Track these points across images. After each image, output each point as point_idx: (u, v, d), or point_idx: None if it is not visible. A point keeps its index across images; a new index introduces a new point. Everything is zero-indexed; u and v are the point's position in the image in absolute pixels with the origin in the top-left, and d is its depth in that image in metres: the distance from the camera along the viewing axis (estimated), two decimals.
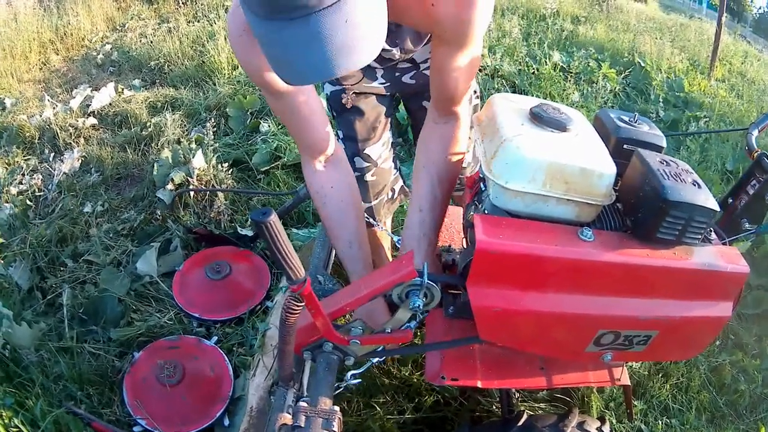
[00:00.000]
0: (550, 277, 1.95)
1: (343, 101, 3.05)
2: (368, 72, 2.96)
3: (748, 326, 4.32)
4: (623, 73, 8.71)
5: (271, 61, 1.64)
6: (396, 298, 2.23)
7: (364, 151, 3.16)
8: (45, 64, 8.81)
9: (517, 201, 2.01)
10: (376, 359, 2.61)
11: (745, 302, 4.47)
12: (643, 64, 9.06)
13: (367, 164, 3.19)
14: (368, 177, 3.22)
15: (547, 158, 1.94)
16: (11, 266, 4.22)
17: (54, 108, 6.76)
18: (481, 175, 2.38)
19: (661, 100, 7.95)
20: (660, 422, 3.43)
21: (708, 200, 1.92)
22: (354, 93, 3.04)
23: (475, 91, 3.22)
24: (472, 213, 2.30)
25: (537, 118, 2.11)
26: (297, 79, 1.70)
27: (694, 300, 2.06)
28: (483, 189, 2.32)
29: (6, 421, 3.01)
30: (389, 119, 3.22)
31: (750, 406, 3.73)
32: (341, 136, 3.20)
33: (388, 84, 3.05)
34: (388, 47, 2.75)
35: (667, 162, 2.06)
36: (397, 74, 3.01)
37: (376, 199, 3.31)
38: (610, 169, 2.00)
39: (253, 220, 1.59)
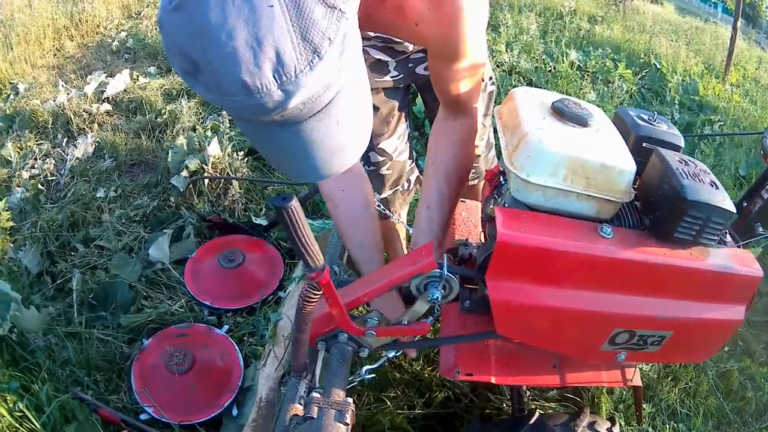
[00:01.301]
0: (569, 273, 1.95)
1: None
2: (378, 66, 2.95)
3: (757, 333, 4.32)
4: (639, 74, 8.70)
5: (263, 153, 1.62)
6: (414, 289, 2.22)
7: (379, 146, 3.14)
8: (59, 50, 8.79)
9: (537, 195, 2.00)
10: (392, 353, 2.62)
11: (755, 309, 4.46)
12: (659, 66, 9.05)
13: (383, 158, 3.17)
14: (384, 170, 3.21)
15: (569, 152, 1.94)
16: (21, 250, 4.22)
17: (68, 93, 6.75)
18: (501, 169, 2.37)
19: (676, 102, 7.93)
20: (668, 426, 3.43)
21: (725, 201, 1.92)
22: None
23: (490, 78, 3.23)
24: (491, 206, 2.29)
25: (558, 112, 2.11)
26: (292, 176, 1.72)
27: (708, 302, 2.06)
28: (503, 182, 2.32)
29: (11, 405, 3.01)
30: (403, 112, 3.20)
31: (756, 414, 3.73)
32: None
33: (402, 76, 3.03)
34: (397, 39, 2.75)
35: (686, 161, 2.05)
36: (410, 65, 3.00)
37: (391, 190, 3.30)
38: (630, 166, 1.99)
39: (274, 205, 1.58)
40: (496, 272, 1.96)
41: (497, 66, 7.71)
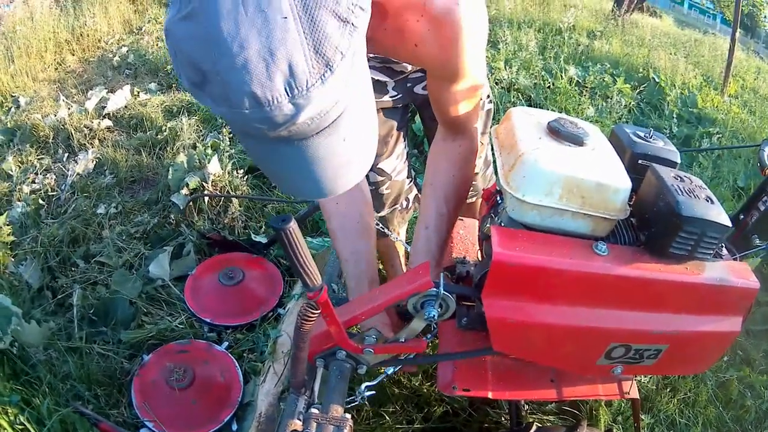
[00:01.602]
0: (565, 290, 1.98)
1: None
2: (377, 87, 2.90)
3: (756, 342, 4.34)
4: (638, 88, 8.72)
5: (264, 170, 1.62)
6: (411, 308, 2.25)
7: (378, 166, 3.17)
8: (60, 65, 8.81)
9: (533, 214, 2.03)
10: (390, 370, 2.66)
11: (754, 318, 4.48)
12: (657, 80, 9.07)
13: (382, 178, 3.20)
14: (383, 190, 3.23)
15: (564, 172, 1.96)
16: (22, 264, 4.23)
17: (69, 108, 6.76)
18: (498, 188, 2.40)
19: (674, 116, 7.97)
20: None
21: (720, 216, 1.94)
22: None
23: (488, 96, 3.25)
24: (488, 225, 2.32)
25: (554, 132, 2.13)
26: (295, 194, 1.79)
27: (704, 315, 2.08)
28: (500, 202, 2.34)
29: (11, 418, 3.02)
30: (402, 131, 3.22)
31: (756, 422, 3.74)
32: None
33: (400, 96, 3.04)
34: (396, 59, 2.77)
35: (681, 177, 2.07)
36: (408, 85, 3.01)
37: (390, 208, 3.33)
38: (625, 184, 2.01)
39: (272, 227, 1.60)
40: (492, 290, 1.99)
41: (496, 83, 7.74)
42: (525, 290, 1.98)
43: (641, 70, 9.55)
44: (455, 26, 1.96)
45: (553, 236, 2.04)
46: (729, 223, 1.96)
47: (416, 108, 3.34)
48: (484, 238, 2.38)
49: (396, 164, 3.21)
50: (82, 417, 3.11)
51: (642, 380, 3.63)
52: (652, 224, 2.06)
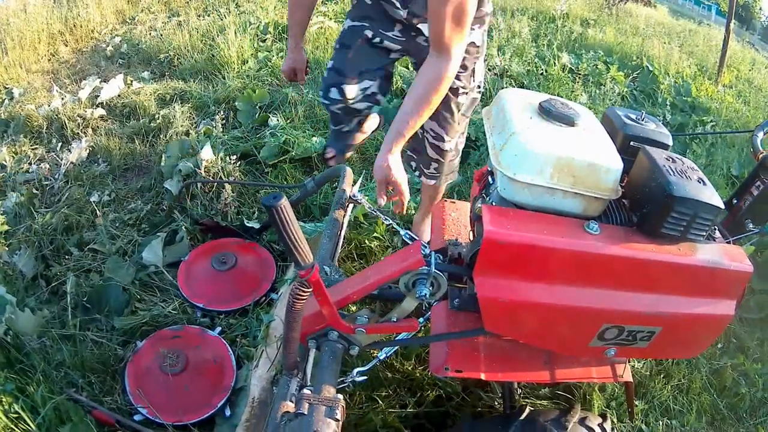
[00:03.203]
0: (556, 269, 1.99)
1: (358, 41, 3.35)
2: (387, 21, 3.26)
3: (750, 330, 4.34)
4: (631, 76, 8.73)
5: None
6: (403, 286, 2.28)
7: (341, 86, 3.39)
8: (54, 56, 8.79)
9: (524, 193, 2.05)
10: (383, 355, 2.65)
11: (748, 306, 4.49)
12: (651, 68, 9.08)
13: (340, 98, 3.44)
14: (333, 108, 3.53)
15: (555, 151, 1.98)
16: (16, 253, 4.23)
17: (62, 98, 6.75)
18: (489, 168, 2.41)
19: (668, 104, 7.97)
20: (661, 423, 3.44)
21: (713, 197, 1.96)
22: (368, 35, 3.31)
23: (479, 85, 3.55)
24: (479, 205, 2.32)
25: (546, 112, 2.15)
26: None
27: (698, 297, 2.10)
28: (491, 182, 2.36)
29: (5, 406, 3.02)
30: (380, 77, 3.49)
31: (750, 410, 3.75)
32: (330, 65, 3.50)
33: (403, 39, 3.31)
34: (398, 6, 3.09)
35: (673, 159, 2.09)
36: (413, 33, 3.29)
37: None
38: (616, 164, 2.03)
39: (264, 205, 1.63)
40: (483, 269, 2.00)
41: (489, 69, 7.77)
42: (516, 269, 1.99)
43: (635, 58, 9.57)
44: None
45: (545, 215, 2.06)
46: (721, 205, 1.98)
47: (414, 61, 3.64)
48: (476, 219, 2.40)
49: (357, 94, 3.47)
50: (76, 404, 3.13)
51: (636, 366, 3.64)
52: (644, 204, 2.07)
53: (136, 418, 3.17)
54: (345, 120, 3.72)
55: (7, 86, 7.55)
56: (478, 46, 3.45)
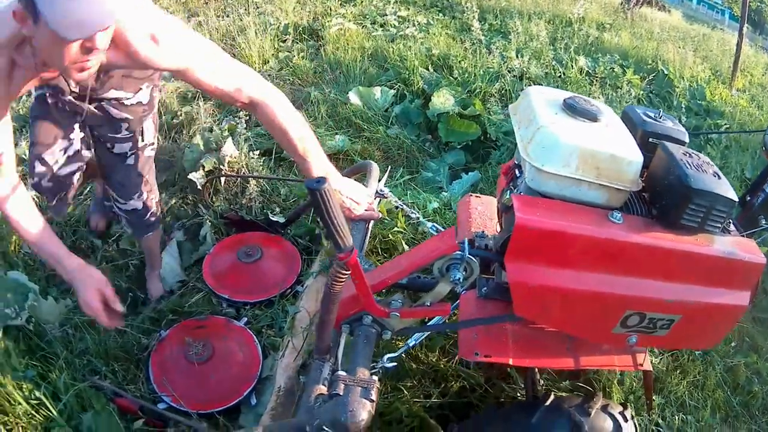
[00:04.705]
0: (582, 256, 2.06)
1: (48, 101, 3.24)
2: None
3: (763, 330, 4.38)
4: (647, 79, 8.73)
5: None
6: (437, 271, 2.35)
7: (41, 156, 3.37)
8: None
9: (551, 183, 2.12)
10: (413, 342, 2.71)
11: (761, 306, 4.53)
12: (666, 72, 9.08)
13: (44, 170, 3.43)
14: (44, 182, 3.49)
15: (581, 144, 2.05)
16: None
17: None
18: (516, 162, 2.47)
19: (683, 107, 8.02)
20: (677, 417, 3.48)
21: (728, 191, 2.04)
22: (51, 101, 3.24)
23: (152, 144, 3.67)
24: (507, 196, 2.38)
25: (570, 108, 2.22)
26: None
27: (714, 287, 2.16)
28: (518, 175, 2.42)
29: (27, 393, 3.05)
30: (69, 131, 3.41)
31: (763, 408, 3.80)
32: (30, 141, 3.38)
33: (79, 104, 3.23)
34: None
35: (690, 154, 2.17)
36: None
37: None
38: (637, 156, 2.10)
39: (308, 188, 1.69)
40: (514, 254, 2.07)
41: (508, 71, 7.76)
42: (545, 254, 2.06)
43: (650, 62, 9.55)
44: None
45: (571, 204, 2.13)
46: (736, 198, 2.06)
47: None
48: (504, 210, 2.45)
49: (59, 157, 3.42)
50: (98, 392, 3.17)
51: (653, 361, 3.66)
52: (663, 197, 2.14)
53: (160, 406, 3.20)
54: (63, 187, 3.64)
55: None
56: (144, 104, 3.45)
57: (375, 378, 2.23)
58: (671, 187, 2.10)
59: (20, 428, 2.94)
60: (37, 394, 3.03)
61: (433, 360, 3.47)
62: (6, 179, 2.80)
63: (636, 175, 2.12)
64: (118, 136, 3.43)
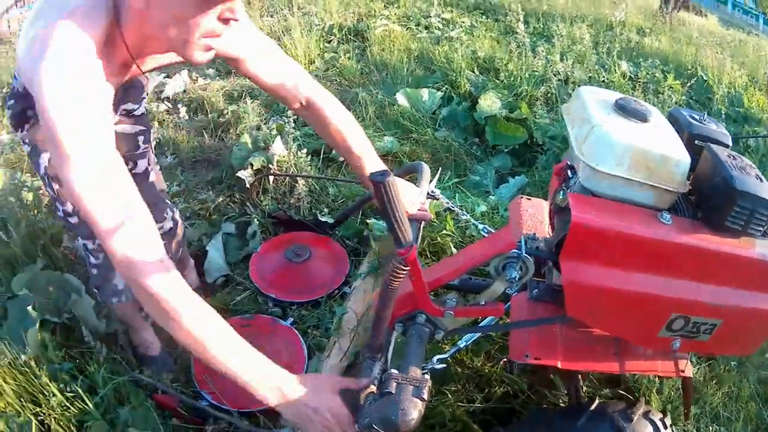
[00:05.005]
0: (633, 256, 2.10)
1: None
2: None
3: None
4: (687, 84, 8.64)
5: None
6: (493, 270, 2.38)
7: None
8: None
9: (605, 183, 2.15)
10: (463, 343, 2.72)
11: None
12: (705, 78, 9.06)
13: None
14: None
15: (633, 143, 2.08)
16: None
17: None
18: (569, 162, 2.50)
19: (722, 113, 7.90)
20: (711, 428, 3.47)
21: None
22: None
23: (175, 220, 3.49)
24: (560, 197, 2.42)
25: (621, 108, 2.25)
26: None
27: (755, 291, 2.18)
28: (570, 176, 2.46)
29: (62, 385, 3.06)
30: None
31: None
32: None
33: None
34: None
35: (734, 156, 2.19)
36: None
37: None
38: (685, 157, 2.13)
39: (372, 180, 1.73)
40: (569, 253, 2.11)
41: (554, 75, 7.78)
42: (599, 254, 2.10)
43: (689, 67, 9.54)
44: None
45: (623, 204, 2.17)
46: None
47: None
48: (557, 210, 2.48)
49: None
50: (137, 388, 3.22)
51: (692, 371, 3.65)
52: (709, 198, 2.17)
53: (202, 404, 3.24)
54: None
55: None
56: (146, 114, 3.38)
57: (427, 377, 2.26)
58: (717, 189, 2.11)
59: (53, 419, 2.96)
60: (74, 386, 3.04)
61: (478, 364, 3.50)
62: (159, 259, 2.06)
63: (684, 177, 2.14)
64: (137, 152, 3.31)
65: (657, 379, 3.34)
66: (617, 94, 2.39)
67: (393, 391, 2.15)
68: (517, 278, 2.36)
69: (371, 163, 3.07)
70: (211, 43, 2.16)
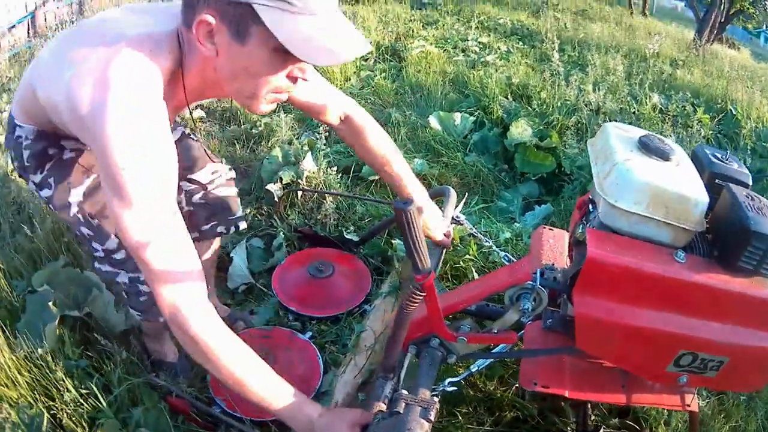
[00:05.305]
0: (646, 293, 2.14)
1: None
2: None
3: None
4: (716, 118, 8.70)
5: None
6: (508, 299, 2.45)
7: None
8: None
9: (623, 220, 2.20)
10: (475, 368, 2.81)
11: None
12: (734, 112, 9.03)
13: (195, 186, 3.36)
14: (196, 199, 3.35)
15: (653, 182, 2.13)
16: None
17: None
18: (591, 197, 2.56)
19: (748, 148, 7.97)
20: None
21: None
22: None
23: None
24: (580, 230, 2.48)
25: (644, 146, 2.30)
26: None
27: (764, 330, 2.20)
28: (591, 210, 2.51)
29: (77, 382, 3.10)
30: None
31: None
32: None
33: None
34: None
35: (752, 197, 2.21)
36: None
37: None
38: (703, 197, 2.16)
39: (395, 207, 1.80)
40: (582, 287, 2.16)
41: (585, 105, 7.81)
42: (612, 289, 2.15)
43: (720, 101, 9.52)
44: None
45: (639, 242, 2.21)
46: None
47: None
48: (575, 243, 2.54)
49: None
50: (152, 390, 3.26)
51: (700, 404, 3.53)
52: (724, 238, 2.21)
53: (214, 409, 3.26)
54: None
55: None
56: None
57: (435, 399, 2.30)
58: (732, 229, 2.14)
59: (65, 414, 3.00)
60: (89, 384, 3.08)
61: (491, 389, 3.52)
62: (203, 305, 2.17)
63: (701, 216, 2.17)
64: None
65: (666, 411, 3.32)
66: (642, 131, 2.44)
67: (401, 411, 2.21)
68: (530, 309, 2.42)
69: (409, 181, 3.15)
70: (279, 97, 2.22)
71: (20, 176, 2.82)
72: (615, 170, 2.21)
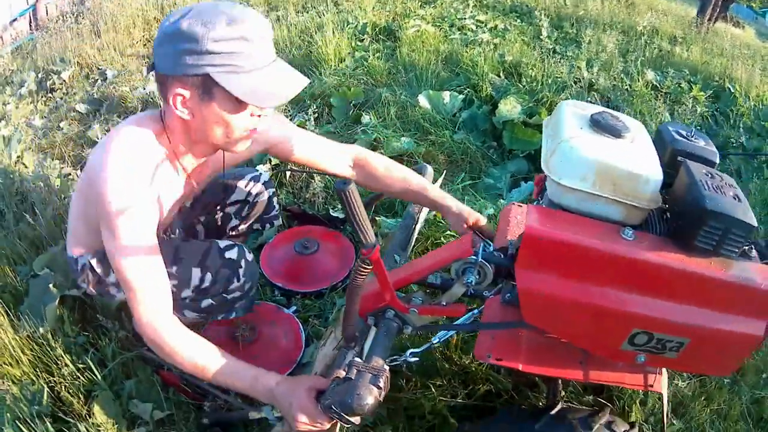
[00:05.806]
0: (589, 269, 2.14)
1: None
2: None
3: None
4: (713, 97, 8.68)
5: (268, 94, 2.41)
6: (454, 273, 2.52)
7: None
8: (149, 41, 8.92)
9: (570, 197, 2.23)
10: (436, 340, 2.86)
11: None
12: (732, 90, 8.97)
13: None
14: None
15: (598, 159, 2.15)
16: None
17: None
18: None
19: (745, 127, 7.89)
20: None
21: (746, 215, 2.03)
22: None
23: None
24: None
25: (596, 123, 2.31)
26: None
27: (726, 313, 2.17)
28: (546, 188, 2.47)
29: (74, 357, 3.27)
30: None
31: None
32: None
33: None
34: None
35: (711, 175, 2.19)
36: None
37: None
38: (656, 175, 2.17)
39: (336, 188, 1.89)
40: (523, 262, 2.18)
41: (575, 82, 7.85)
42: (553, 264, 2.16)
43: (718, 79, 9.43)
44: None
45: (585, 218, 2.23)
46: (754, 223, 2.04)
47: None
48: None
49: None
50: (145, 363, 3.37)
51: (679, 384, 3.69)
52: (680, 217, 2.20)
53: (204, 384, 3.26)
54: None
55: (100, 67, 7.79)
56: None
57: (386, 368, 2.37)
58: (687, 207, 2.12)
59: (63, 387, 3.16)
60: (85, 359, 3.25)
61: (466, 362, 3.58)
62: (171, 320, 2.59)
63: (654, 193, 2.18)
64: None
65: (642, 391, 3.31)
66: (597, 108, 2.45)
67: (353, 378, 2.29)
68: (473, 282, 2.49)
69: (432, 188, 3.43)
70: (248, 134, 2.63)
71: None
72: (559, 148, 2.23)
